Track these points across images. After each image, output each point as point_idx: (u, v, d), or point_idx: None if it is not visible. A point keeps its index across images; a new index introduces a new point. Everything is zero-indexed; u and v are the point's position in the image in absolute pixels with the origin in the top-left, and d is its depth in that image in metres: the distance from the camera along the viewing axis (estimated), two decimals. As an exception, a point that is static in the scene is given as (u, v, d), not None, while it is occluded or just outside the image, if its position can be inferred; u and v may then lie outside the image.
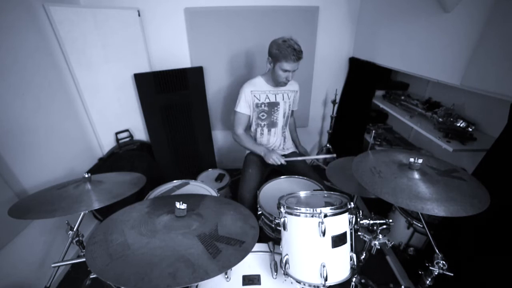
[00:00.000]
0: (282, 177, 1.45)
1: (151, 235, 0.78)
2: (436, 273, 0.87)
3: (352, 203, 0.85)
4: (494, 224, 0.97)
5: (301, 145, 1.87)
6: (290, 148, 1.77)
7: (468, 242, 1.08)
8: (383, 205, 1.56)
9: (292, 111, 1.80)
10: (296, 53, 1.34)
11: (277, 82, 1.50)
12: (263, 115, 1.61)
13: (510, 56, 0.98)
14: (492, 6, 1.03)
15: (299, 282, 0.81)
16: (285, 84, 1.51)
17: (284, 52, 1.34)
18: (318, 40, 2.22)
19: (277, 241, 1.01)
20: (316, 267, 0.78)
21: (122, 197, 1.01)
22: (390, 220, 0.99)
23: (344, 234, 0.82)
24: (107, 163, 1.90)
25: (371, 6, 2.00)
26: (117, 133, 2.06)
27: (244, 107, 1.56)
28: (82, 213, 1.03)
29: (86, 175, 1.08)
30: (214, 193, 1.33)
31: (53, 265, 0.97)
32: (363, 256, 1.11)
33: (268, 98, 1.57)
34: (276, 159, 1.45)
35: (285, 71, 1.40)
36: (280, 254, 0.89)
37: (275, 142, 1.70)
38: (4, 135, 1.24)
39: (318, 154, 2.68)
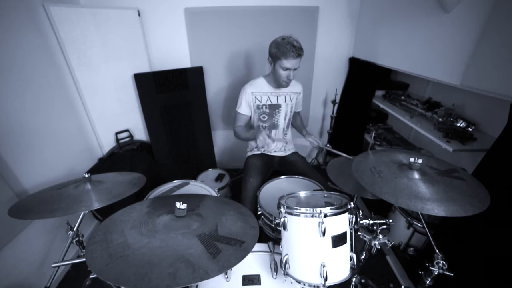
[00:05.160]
0: (282, 177, 1.45)
1: (151, 235, 0.78)
2: (436, 273, 0.87)
3: (352, 203, 0.85)
4: (494, 224, 0.97)
5: (308, 133, 1.69)
6: (291, 149, 1.77)
7: (468, 242, 1.08)
8: (383, 205, 1.56)
9: (299, 112, 1.79)
10: (295, 50, 1.31)
11: (278, 83, 1.48)
12: (264, 117, 1.60)
13: (510, 56, 0.98)
14: (492, 6, 1.03)
15: (299, 282, 0.81)
16: (287, 84, 1.48)
17: (283, 49, 1.31)
18: (318, 40, 2.22)
19: (277, 241, 1.01)
20: (316, 267, 0.78)
21: (122, 197, 1.00)
22: (390, 220, 0.99)
23: (344, 234, 0.82)
24: (107, 163, 1.91)
25: (371, 6, 2.00)
26: (117, 133, 2.06)
27: (244, 107, 1.56)
28: (82, 213, 1.03)
29: (86, 175, 1.07)
30: (214, 193, 1.33)
31: (53, 265, 0.97)
32: (363, 256, 1.11)
33: (270, 100, 1.56)
34: (263, 139, 1.33)
35: (286, 69, 1.37)
36: (280, 254, 0.89)
37: (276, 144, 1.69)
38: (4, 135, 1.24)
39: (318, 154, 2.68)
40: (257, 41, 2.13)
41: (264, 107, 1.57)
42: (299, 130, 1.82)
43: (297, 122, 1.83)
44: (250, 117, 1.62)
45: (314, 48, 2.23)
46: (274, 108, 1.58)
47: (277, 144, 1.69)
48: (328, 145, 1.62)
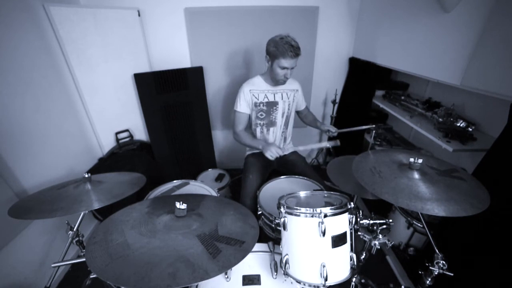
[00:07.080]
0: (282, 177, 1.45)
1: (151, 235, 0.78)
2: (436, 273, 0.87)
3: (352, 203, 0.85)
4: (494, 224, 0.97)
5: (323, 123, 1.70)
6: (289, 148, 1.76)
7: (468, 242, 1.08)
8: (383, 205, 1.56)
9: (306, 108, 1.78)
10: (293, 49, 1.33)
11: (275, 81, 1.49)
12: (261, 115, 1.60)
13: (510, 56, 0.98)
14: (492, 6, 1.03)
15: (299, 282, 0.81)
16: (284, 82, 1.50)
17: (281, 49, 1.33)
18: (318, 40, 2.22)
19: (277, 241, 1.01)
20: (316, 267, 0.78)
21: (122, 197, 1.00)
22: (390, 220, 0.99)
23: (344, 234, 0.82)
24: (107, 163, 1.91)
25: (371, 6, 2.00)
26: (117, 133, 2.06)
27: (243, 106, 1.56)
28: (82, 213, 1.03)
29: (86, 175, 1.07)
30: (214, 193, 1.33)
31: (53, 265, 0.97)
32: (363, 256, 1.11)
33: (267, 97, 1.57)
34: (274, 152, 1.37)
35: (283, 68, 1.39)
36: (280, 254, 0.89)
37: (274, 142, 1.69)
38: (4, 135, 1.24)
39: (318, 154, 2.68)
40: (257, 41, 2.12)
41: (261, 104, 1.57)
42: (313, 125, 1.76)
43: (310, 118, 1.79)
44: (249, 115, 1.62)
45: (314, 48, 2.23)
46: (271, 105, 1.59)
47: (275, 140, 1.69)
48: (337, 141, 1.56)
